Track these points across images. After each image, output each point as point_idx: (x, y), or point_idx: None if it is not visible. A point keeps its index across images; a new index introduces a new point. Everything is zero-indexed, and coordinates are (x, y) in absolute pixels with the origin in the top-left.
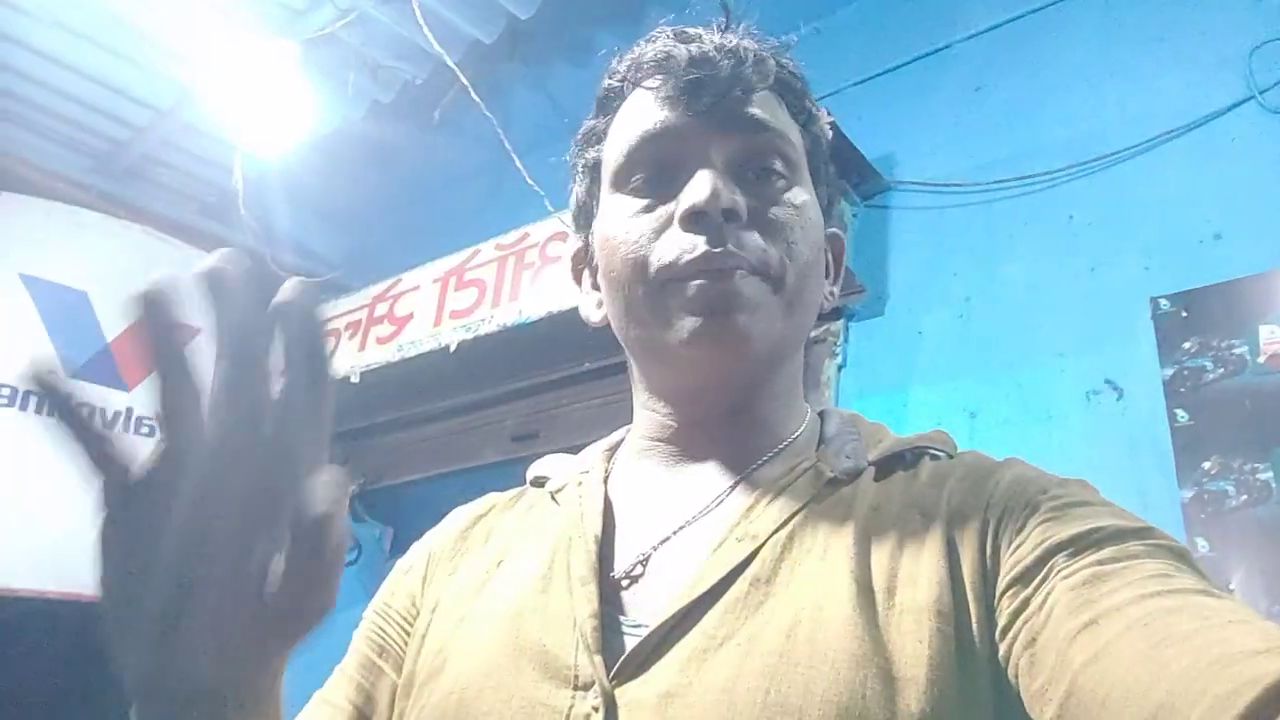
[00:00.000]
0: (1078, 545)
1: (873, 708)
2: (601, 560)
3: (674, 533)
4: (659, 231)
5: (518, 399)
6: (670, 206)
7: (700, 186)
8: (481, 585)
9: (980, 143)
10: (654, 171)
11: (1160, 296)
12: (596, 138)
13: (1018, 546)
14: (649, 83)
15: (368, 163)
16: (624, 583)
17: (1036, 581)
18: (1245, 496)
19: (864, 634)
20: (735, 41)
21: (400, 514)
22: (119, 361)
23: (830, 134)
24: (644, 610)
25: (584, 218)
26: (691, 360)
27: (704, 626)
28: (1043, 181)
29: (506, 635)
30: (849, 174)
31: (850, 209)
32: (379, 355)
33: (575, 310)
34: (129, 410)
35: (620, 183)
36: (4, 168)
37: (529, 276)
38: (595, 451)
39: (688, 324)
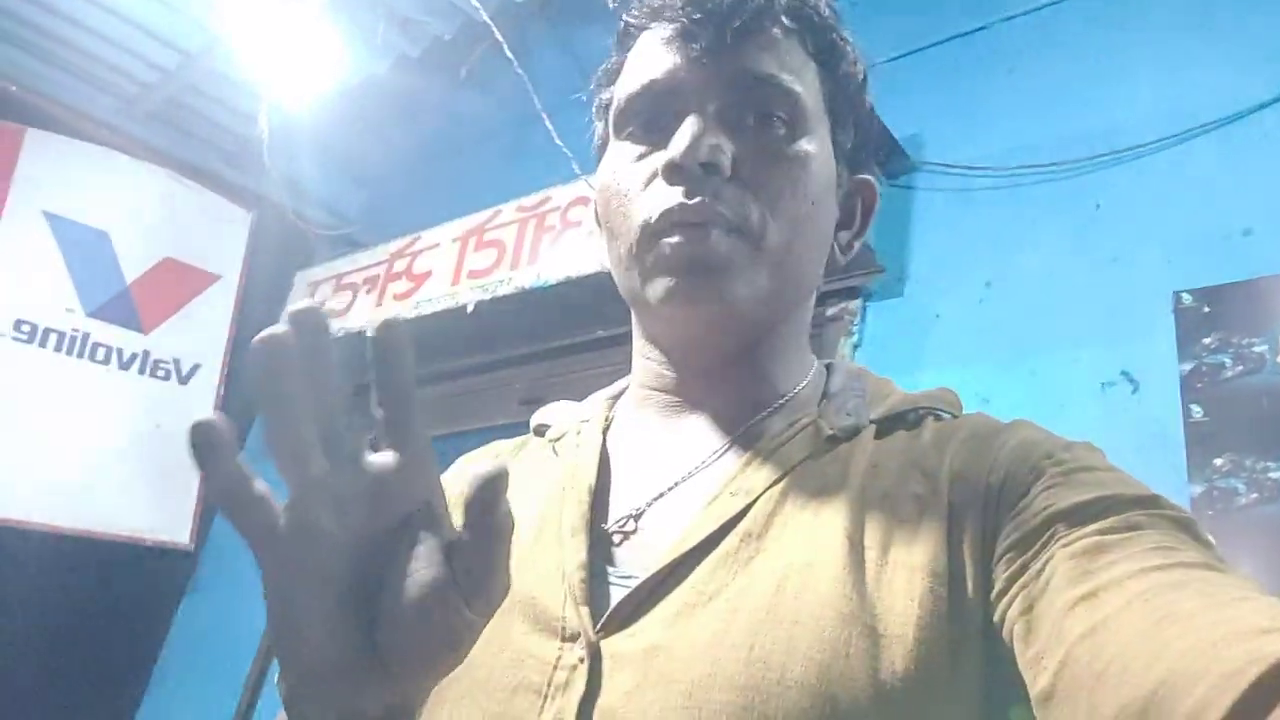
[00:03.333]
0: (1081, 513)
1: (856, 665)
2: (595, 512)
3: (669, 488)
4: (647, 183)
5: (529, 363)
6: (661, 155)
7: (681, 138)
8: None
9: (1009, 127)
10: (650, 118)
11: (1183, 291)
12: (611, 77)
13: (1020, 511)
14: (652, 24)
15: (392, 117)
16: (615, 536)
17: (1036, 548)
18: (1255, 495)
19: (852, 591)
20: None
21: None
22: (138, 303)
23: (863, 70)
24: (634, 563)
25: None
26: (671, 318)
27: (693, 581)
28: (1070, 169)
29: None
30: (875, 152)
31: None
32: (395, 312)
33: (592, 276)
34: (145, 353)
35: (619, 129)
36: (34, 105)
37: (549, 240)
38: (598, 399)
39: (662, 283)
